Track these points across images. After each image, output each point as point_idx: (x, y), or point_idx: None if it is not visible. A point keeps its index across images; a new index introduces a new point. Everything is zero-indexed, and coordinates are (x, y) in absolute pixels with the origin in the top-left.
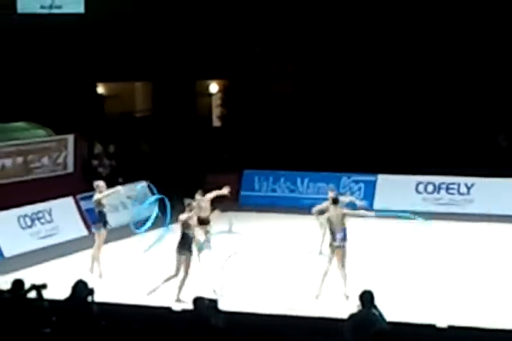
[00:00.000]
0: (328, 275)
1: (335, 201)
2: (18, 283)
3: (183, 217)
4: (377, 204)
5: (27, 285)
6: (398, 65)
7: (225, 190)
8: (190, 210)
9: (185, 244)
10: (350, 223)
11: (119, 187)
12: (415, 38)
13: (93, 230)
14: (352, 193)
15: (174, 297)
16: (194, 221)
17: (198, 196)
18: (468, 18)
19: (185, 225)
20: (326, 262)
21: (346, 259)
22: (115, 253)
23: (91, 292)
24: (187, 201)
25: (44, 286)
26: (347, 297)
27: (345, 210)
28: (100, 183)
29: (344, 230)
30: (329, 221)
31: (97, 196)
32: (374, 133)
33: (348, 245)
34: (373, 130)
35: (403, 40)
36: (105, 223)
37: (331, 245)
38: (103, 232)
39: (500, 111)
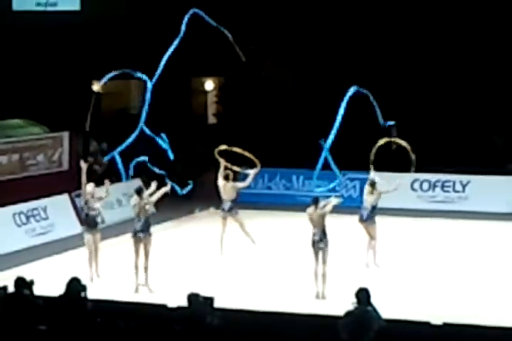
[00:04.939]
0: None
1: None
2: (20, 281)
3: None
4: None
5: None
6: (394, 61)
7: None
8: None
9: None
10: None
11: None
12: (412, 36)
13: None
14: (347, 191)
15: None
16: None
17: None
18: (466, 23)
19: None
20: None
21: None
22: (111, 250)
23: (84, 288)
24: None
25: (31, 283)
26: None
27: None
28: (88, 188)
29: None
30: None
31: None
32: (369, 131)
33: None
34: (368, 128)
35: (400, 36)
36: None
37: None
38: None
39: (495, 110)
